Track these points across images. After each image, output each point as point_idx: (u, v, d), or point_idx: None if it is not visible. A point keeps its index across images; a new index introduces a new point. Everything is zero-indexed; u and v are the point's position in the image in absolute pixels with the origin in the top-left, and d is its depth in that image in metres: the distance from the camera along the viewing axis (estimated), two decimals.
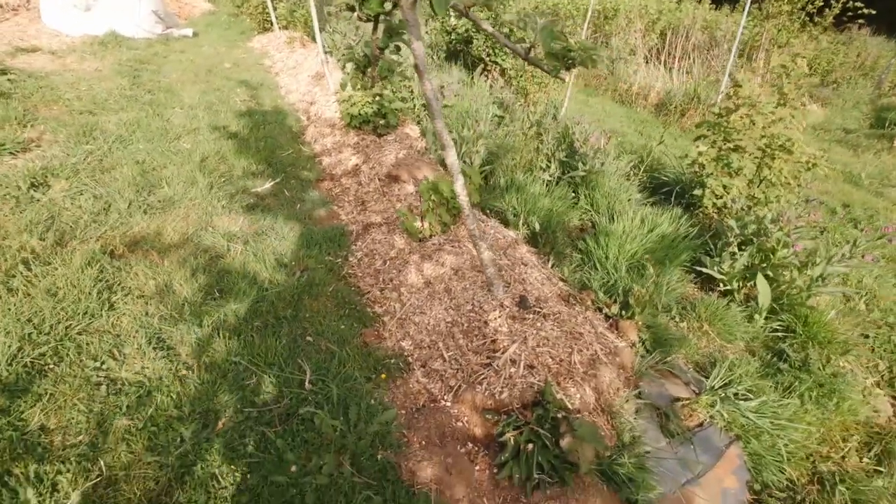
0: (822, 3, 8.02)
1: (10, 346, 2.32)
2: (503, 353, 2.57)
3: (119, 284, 2.88)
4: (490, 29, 1.91)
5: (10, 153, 3.98)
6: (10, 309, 2.52)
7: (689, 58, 9.54)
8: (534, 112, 5.62)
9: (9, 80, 5.15)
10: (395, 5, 1.95)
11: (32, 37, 7.41)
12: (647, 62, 9.90)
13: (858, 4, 7.40)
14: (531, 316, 2.73)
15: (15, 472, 1.88)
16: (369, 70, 2.50)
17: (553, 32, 1.62)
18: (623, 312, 3.16)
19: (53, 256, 2.94)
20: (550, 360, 2.53)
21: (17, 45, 6.80)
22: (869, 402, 3.08)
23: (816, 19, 8.15)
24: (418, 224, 3.55)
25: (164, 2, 10.22)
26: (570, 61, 1.78)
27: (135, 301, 2.79)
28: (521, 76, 6.48)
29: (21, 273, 2.75)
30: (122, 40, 7.86)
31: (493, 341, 2.64)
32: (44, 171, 3.77)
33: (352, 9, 2.28)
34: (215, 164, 4.50)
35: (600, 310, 3.24)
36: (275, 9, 9.55)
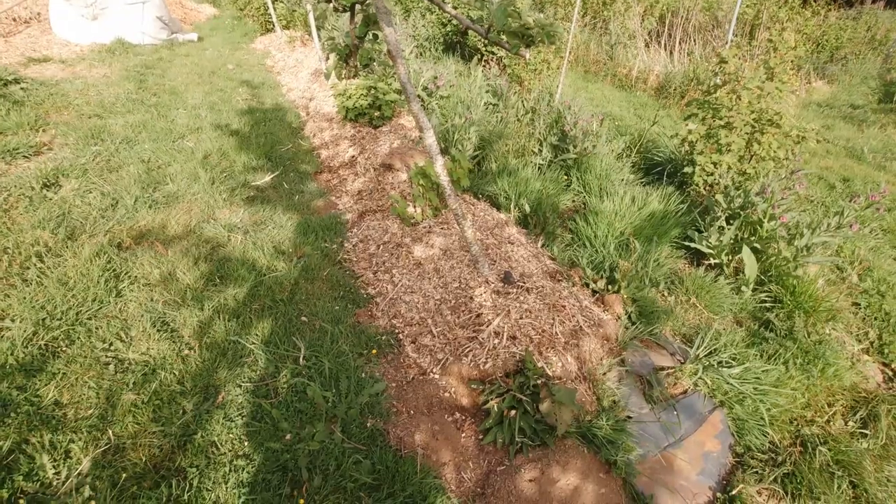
0: None
1: (25, 331, 2.50)
2: (487, 326, 2.68)
3: (126, 273, 3.05)
4: (452, 11, 2.01)
5: (24, 156, 4.18)
6: (25, 297, 2.70)
7: (691, 40, 9.47)
8: (528, 99, 5.68)
9: (22, 88, 5.38)
10: None
11: (44, 47, 7.68)
12: (647, 46, 9.85)
13: None
14: (514, 290, 2.83)
15: (32, 441, 2.05)
16: (351, 59, 2.60)
17: (506, 11, 1.71)
18: (609, 287, 3.24)
19: (64, 249, 3.13)
20: (532, 331, 2.63)
21: (30, 56, 7.07)
22: (856, 368, 3.12)
23: None
24: (410, 209, 3.67)
25: (169, 8, 10.47)
26: (530, 38, 1.87)
27: (140, 288, 2.96)
28: (515, 65, 6.54)
29: (35, 265, 2.94)
30: (128, 47, 8.09)
31: (479, 316, 2.75)
32: (55, 171, 3.96)
33: (328, 0, 2.39)
34: (217, 160, 4.67)
35: (587, 285, 3.32)
36: (275, 9, 9.72)
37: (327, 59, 5.39)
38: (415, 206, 3.69)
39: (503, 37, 1.87)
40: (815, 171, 5.90)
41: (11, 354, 2.39)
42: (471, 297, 2.84)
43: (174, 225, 3.63)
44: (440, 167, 2.54)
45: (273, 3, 9.76)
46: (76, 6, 7.84)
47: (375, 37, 2.55)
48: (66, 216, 3.49)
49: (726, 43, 7.30)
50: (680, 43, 9.81)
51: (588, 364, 2.65)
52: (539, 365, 2.48)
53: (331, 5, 2.31)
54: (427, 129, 2.43)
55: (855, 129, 7.71)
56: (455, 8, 1.88)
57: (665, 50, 9.56)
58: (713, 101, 4.17)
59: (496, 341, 2.59)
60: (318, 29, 7.20)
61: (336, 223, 3.90)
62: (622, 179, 4.50)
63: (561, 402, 2.26)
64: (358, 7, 2.33)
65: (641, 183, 4.74)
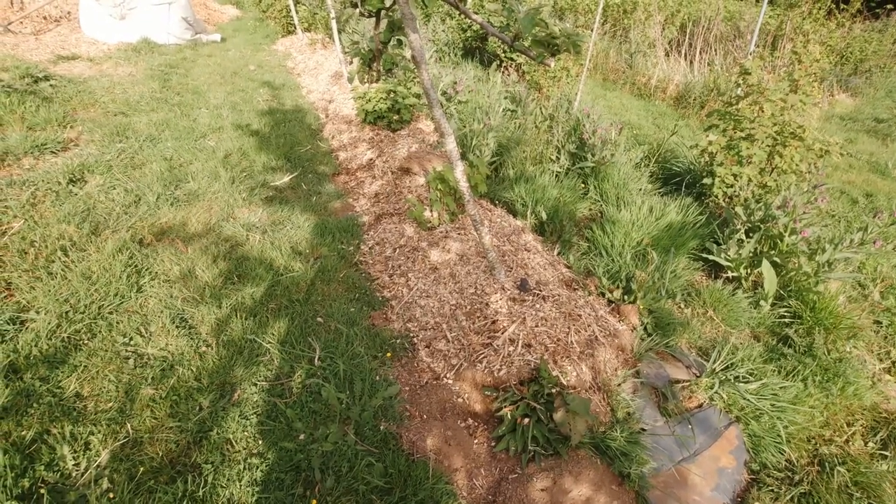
0: None
1: (49, 323, 2.55)
2: (503, 333, 2.68)
3: (147, 269, 3.10)
4: (479, 19, 2.02)
5: (52, 152, 4.29)
6: (50, 290, 2.76)
7: (712, 49, 9.39)
8: (546, 106, 5.68)
9: (51, 85, 5.52)
10: (395, 1, 2.08)
11: (72, 45, 7.87)
12: (666, 55, 9.79)
13: None
14: (531, 298, 2.83)
15: (53, 432, 2.09)
16: (374, 64, 2.63)
17: (534, 20, 1.72)
18: (625, 297, 3.22)
19: (88, 244, 3.19)
20: (548, 339, 2.62)
21: (59, 54, 7.24)
22: (878, 388, 3.06)
23: (843, 6, 7.92)
24: (427, 214, 3.69)
25: (194, 9, 10.66)
26: (555, 48, 1.88)
27: (161, 284, 3.01)
28: (534, 71, 6.54)
29: (60, 259, 3.00)
30: (154, 46, 8.26)
31: (494, 322, 2.75)
32: (81, 167, 4.05)
33: (354, 5, 2.43)
34: (237, 159, 4.73)
35: (603, 295, 3.30)
36: (297, 12, 9.85)
37: (350, 62, 5.45)
38: (431, 211, 3.70)
39: (528, 45, 1.88)
40: (838, 185, 5.80)
41: (36, 346, 2.44)
42: (486, 304, 2.84)
43: (194, 223, 3.68)
44: (460, 173, 2.55)
45: (296, 5, 9.90)
46: (105, 6, 8.02)
47: (400, 42, 2.57)
48: (91, 211, 3.57)
49: (748, 54, 7.23)
50: (700, 53, 9.73)
51: (603, 374, 2.63)
52: (554, 373, 2.47)
53: (356, 11, 2.35)
54: (448, 134, 2.45)
55: (879, 143, 7.57)
56: (475, 13, 1.90)
57: (685, 59, 9.49)
58: (735, 112, 4.13)
59: (511, 349, 2.59)
60: (340, 32, 7.27)
61: (353, 225, 3.93)
62: (640, 189, 4.47)
63: (575, 412, 2.25)
64: (383, 13, 2.36)
65: (659, 193, 4.70)
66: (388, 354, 2.75)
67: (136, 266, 3.10)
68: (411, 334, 2.92)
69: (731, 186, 4.16)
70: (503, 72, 7.16)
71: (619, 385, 2.66)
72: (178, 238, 3.48)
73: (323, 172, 4.81)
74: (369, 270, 3.46)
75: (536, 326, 2.66)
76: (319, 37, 9.08)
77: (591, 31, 6.13)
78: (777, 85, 3.94)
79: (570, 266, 3.59)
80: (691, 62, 9.57)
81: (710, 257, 3.68)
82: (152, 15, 8.42)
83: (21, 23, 8.47)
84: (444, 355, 2.75)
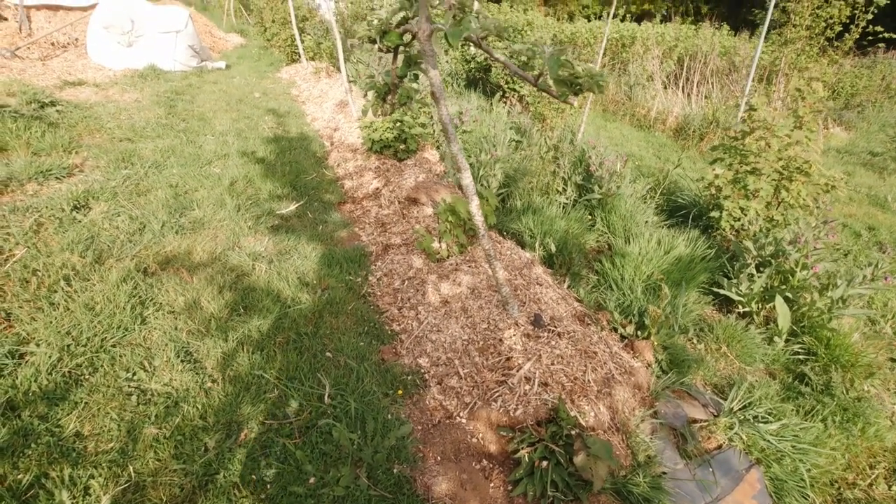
0: (840, 29, 8.02)
1: (50, 357, 2.47)
2: (518, 370, 2.61)
3: (151, 300, 3.03)
4: (502, 58, 2.03)
5: (56, 178, 4.25)
6: (51, 322, 2.68)
7: (708, 83, 9.60)
8: (551, 137, 5.73)
9: (57, 111, 5.52)
10: (414, 37, 2.09)
11: (79, 71, 7.93)
12: (664, 87, 9.99)
13: (879, 29, 7.39)
14: (546, 334, 2.77)
15: (51, 475, 1.99)
16: (389, 97, 2.64)
17: (560, 61, 1.72)
18: (639, 333, 3.17)
19: (92, 273, 3.12)
20: (565, 378, 2.56)
21: (65, 79, 7.29)
22: None
23: (836, 44, 8.14)
24: (436, 245, 3.65)
25: (199, 37, 10.82)
26: (578, 87, 1.88)
27: (165, 316, 2.94)
28: (538, 102, 6.64)
29: (62, 288, 2.93)
30: (160, 73, 8.34)
31: (509, 359, 2.68)
32: (85, 194, 4.01)
33: (373, 41, 2.43)
34: (243, 187, 4.71)
35: (616, 330, 3.25)
36: (302, 41, 10.02)
37: (365, 95, 5.49)
38: (440, 242, 3.67)
39: (552, 84, 1.88)
40: (840, 218, 5.84)
41: (35, 381, 2.35)
42: (500, 340, 2.78)
43: (200, 251, 3.63)
44: (475, 207, 2.53)
45: (301, 35, 10.08)
46: (113, 33, 8.13)
47: (416, 76, 2.58)
48: (95, 239, 3.51)
49: (745, 88, 7.38)
50: (698, 86, 9.95)
51: (621, 414, 2.56)
52: (572, 414, 2.40)
53: (376, 46, 2.36)
54: (465, 169, 2.43)
55: (876, 176, 7.68)
56: (485, 42, 1.88)
57: (683, 92, 9.68)
58: (741, 146, 4.17)
59: (527, 387, 2.52)
60: (346, 62, 7.37)
61: (360, 255, 3.89)
62: (647, 221, 4.47)
63: (597, 455, 2.17)
64: (401, 48, 2.39)
65: (666, 225, 4.71)
66: (400, 392, 2.67)
67: (140, 296, 3.03)
68: (422, 370, 2.84)
69: (739, 220, 4.17)
70: (506, 102, 7.26)
71: (638, 425, 2.59)
72: (182, 267, 3.42)
73: (329, 201, 4.79)
74: (378, 302, 3.40)
75: (552, 364, 2.60)
76: (324, 65, 9.21)
77: (595, 64, 6.25)
78: (783, 121, 3.99)
79: (580, 300, 3.54)
80: (689, 95, 9.77)
81: (722, 291, 3.65)
82: (159, 42, 8.53)
83: (28, 48, 8.56)
84: (457, 393, 2.68)
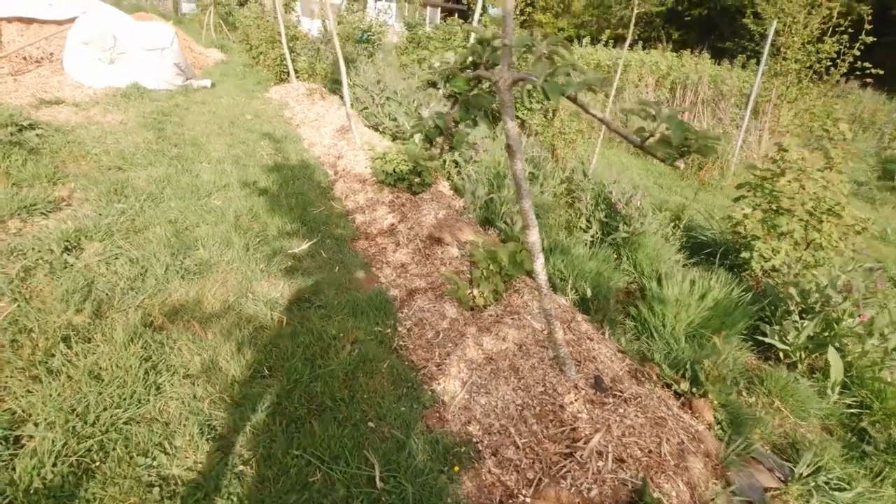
0: (829, 63, 8.26)
1: (54, 442, 2.11)
2: (585, 442, 2.38)
3: (164, 362, 2.69)
4: (599, 115, 1.84)
5: (42, 213, 3.84)
6: (51, 395, 2.32)
7: (700, 111, 9.75)
8: (563, 168, 5.61)
9: (37, 135, 5.08)
10: (494, 85, 1.88)
11: (55, 88, 7.44)
12: None
13: (867, 65, 7.63)
14: (611, 400, 2.56)
15: None
16: (439, 140, 2.43)
17: (683, 123, 1.54)
18: (694, 389, 2.99)
19: (94, 331, 2.76)
20: (639, 451, 2.34)
21: (41, 98, 6.80)
22: None
23: (825, 77, 8.39)
24: (469, 291, 3.42)
25: (183, 54, 10.41)
26: (686, 150, 1.70)
27: (181, 382, 2.60)
28: (545, 132, 6.54)
29: (61, 352, 2.56)
30: (144, 92, 7.91)
31: (574, 429, 2.45)
32: (77, 232, 3.62)
33: (433, 84, 2.22)
34: (248, 222, 4.39)
35: (668, 386, 3.07)
36: (293, 61, 9.74)
37: (410, 136, 5.25)
38: (473, 288, 3.44)
39: (658, 145, 1.70)
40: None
41: (38, 475, 1.99)
42: (560, 406, 2.55)
43: (210, 300, 3.29)
44: (540, 266, 2.32)
45: (291, 55, 9.80)
46: (94, 49, 7.69)
47: (475, 123, 2.37)
48: (92, 287, 3.14)
49: (744, 119, 7.47)
50: (688, 115, 10.09)
51: (698, 489, 2.35)
52: (655, 495, 2.18)
53: (439, 91, 2.16)
54: (533, 226, 2.22)
55: (868, 207, 7.86)
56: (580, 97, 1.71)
57: None
58: (769, 185, 4.11)
59: (600, 464, 2.29)
60: (352, 87, 7.14)
61: (383, 301, 3.61)
62: (676, 261, 4.35)
63: None
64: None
65: (690, 264, 4.60)
66: (456, 468, 2.40)
67: (151, 359, 2.68)
68: (474, 439, 2.58)
69: (769, 260, 4.09)
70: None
71: (714, 501, 2.39)
72: (193, 319, 3.08)
73: (341, 237, 4.50)
74: (412, 357, 3.13)
75: (624, 436, 2.38)
76: (317, 87, 8.94)
77: (609, 98, 6.21)
78: (812, 161, 3.95)
79: (624, 351, 3.35)
80: None
81: (766, 340, 3.53)
82: (144, 60, 8.12)
83: None
84: (516, 466, 2.42)
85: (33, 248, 3.36)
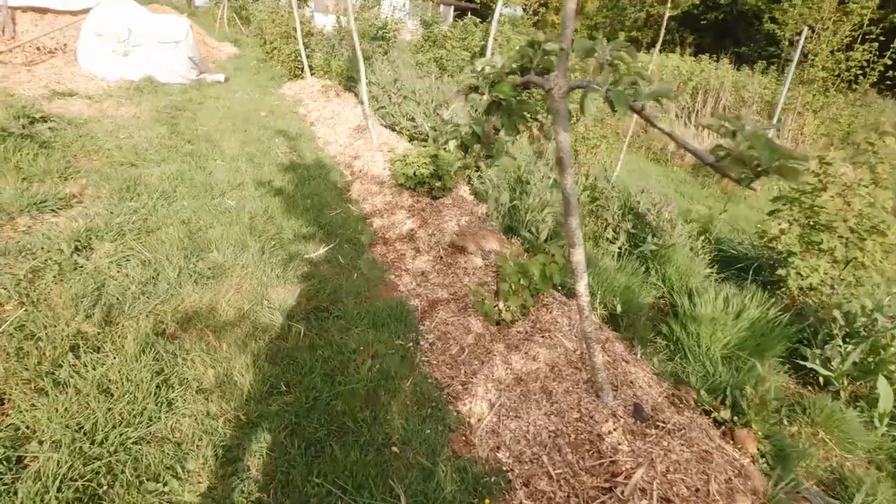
0: (858, 72, 8.03)
1: (59, 463, 1.96)
2: (627, 477, 2.21)
3: (176, 375, 2.54)
4: (667, 129, 1.67)
5: (52, 210, 3.71)
6: (57, 410, 2.17)
7: None
8: (586, 175, 5.43)
9: (49, 128, 4.95)
10: (546, 93, 1.71)
11: (68, 80, 7.33)
12: (677, 117, 9.89)
13: None
14: (653, 431, 2.39)
15: None
16: (476, 147, 2.27)
17: (771, 142, 1.37)
18: (735, 418, 2.81)
19: (104, 339, 2.62)
20: (686, 489, 2.17)
21: (54, 89, 6.69)
22: None
23: (854, 86, 8.15)
24: (495, 304, 3.25)
25: (198, 47, 10.30)
26: (763, 171, 1.53)
27: (194, 397, 2.45)
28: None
29: (69, 362, 2.42)
30: (157, 86, 7.79)
31: (613, 462, 2.28)
32: (87, 232, 3.48)
33: (475, 89, 2.06)
34: (263, 224, 4.24)
35: (707, 412, 2.89)
36: (308, 56, 9.59)
37: (445, 142, 5.09)
38: (498, 300, 3.27)
39: (732, 165, 1.52)
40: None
41: (42, 502, 1.84)
42: (598, 435, 2.38)
43: (224, 307, 3.14)
44: (583, 287, 2.15)
45: (306, 50, 9.65)
46: (108, 41, 7.58)
47: (518, 131, 2.21)
48: (102, 291, 3.00)
49: (777, 129, 7.21)
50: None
51: None
52: None
53: (483, 98, 2.00)
54: (578, 245, 2.06)
55: None
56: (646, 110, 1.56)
57: (696, 128, 9.58)
58: (809, 199, 3.91)
59: (643, 502, 2.12)
60: (358, 82, 6.99)
61: (404, 312, 3.45)
62: (709, 275, 4.17)
63: None
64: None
65: (720, 279, 4.41)
66: (487, 501, 2.23)
67: (162, 371, 2.53)
68: (504, 467, 2.42)
69: (806, 278, 3.89)
70: (529, 132, 6.95)
71: None
72: (207, 328, 2.94)
73: (359, 242, 4.34)
74: (436, 374, 2.97)
75: (669, 472, 2.21)
76: (333, 84, 8.80)
77: None
78: (857, 177, 3.75)
79: (657, 372, 3.18)
80: (700, 128, 9.67)
81: (808, 365, 3.34)
82: (158, 53, 8.00)
83: (11, 51, 7.92)
84: (550, 499, 2.26)
85: (42, 248, 3.22)
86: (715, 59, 12.02)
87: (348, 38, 10.19)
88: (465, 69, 2.22)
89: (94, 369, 2.42)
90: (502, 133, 2.21)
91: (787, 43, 8.49)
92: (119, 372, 2.42)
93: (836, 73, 8.17)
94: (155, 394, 2.38)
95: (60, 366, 2.40)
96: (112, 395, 2.32)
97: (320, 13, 18.64)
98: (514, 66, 1.94)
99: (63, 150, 4.69)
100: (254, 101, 8.36)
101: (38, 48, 8.25)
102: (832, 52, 8.03)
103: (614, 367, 2.81)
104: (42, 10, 8.63)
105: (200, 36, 13.15)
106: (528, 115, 2.13)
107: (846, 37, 7.75)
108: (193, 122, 6.52)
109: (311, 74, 9.90)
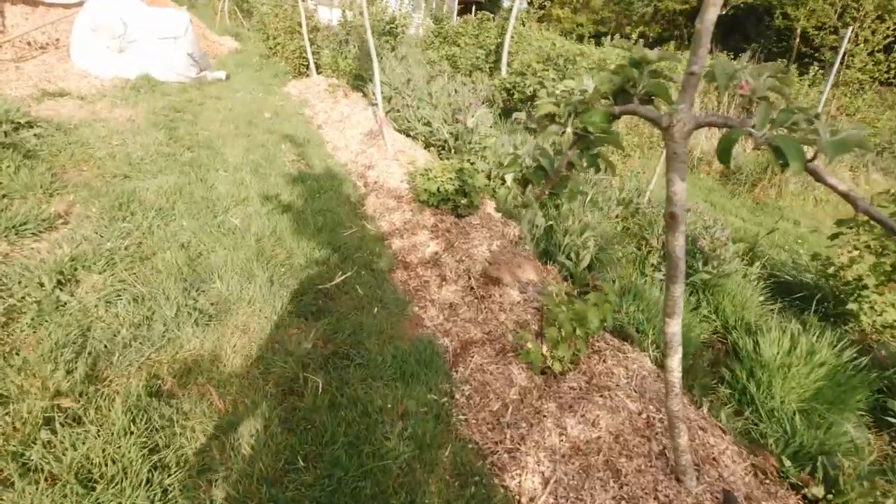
0: None
1: None
2: None
3: (172, 450, 2.12)
4: (843, 188, 1.21)
5: (33, 234, 3.28)
6: None
7: None
8: (620, 188, 4.99)
9: (35, 135, 4.50)
10: (666, 130, 1.28)
11: (60, 78, 6.86)
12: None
13: None
14: None
15: None
16: (543, 185, 1.85)
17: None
18: (829, 496, 2.40)
19: (87, 405, 2.20)
20: None
21: (44, 88, 6.23)
22: None
23: (894, 88, 7.69)
24: (538, 349, 2.83)
25: (198, 43, 9.82)
26: None
27: (195, 482, 2.03)
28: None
29: (42, 440, 1.99)
30: (155, 84, 7.32)
31: None
32: (73, 260, 3.05)
33: (551, 118, 1.63)
34: (272, 247, 3.81)
35: (794, 487, 2.48)
36: (314, 54, 9.12)
37: (500, 178, 4.64)
38: (543, 345, 2.85)
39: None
40: None
41: None
42: None
43: (229, 353, 2.73)
44: (676, 363, 1.73)
45: (311, 46, 9.18)
46: (103, 37, 7.11)
47: (599, 168, 1.78)
48: (88, 336, 2.58)
49: None
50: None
51: None
52: None
53: (567, 131, 1.59)
54: (677, 315, 1.64)
55: None
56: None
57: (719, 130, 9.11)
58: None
59: None
60: (369, 81, 6.53)
61: (433, 355, 3.03)
62: (771, 309, 3.74)
63: None
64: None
65: (774, 310, 3.98)
66: None
67: (157, 447, 2.11)
68: None
69: (881, 314, 3.47)
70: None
71: None
72: (209, 383, 2.52)
73: (377, 267, 3.91)
74: (476, 438, 2.55)
75: None
76: (340, 83, 8.33)
77: None
78: None
79: (725, 430, 2.76)
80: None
81: None
82: (156, 49, 7.53)
83: (0, 47, 7.45)
84: None
85: (19, 283, 2.80)
86: (731, 56, 11.52)
87: (355, 34, 9.71)
88: (540, 93, 1.78)
89: (74, 448, 2.00)
90: (576, 171, 1.78)
91: (819, 41, 8.01)
92: (104, 452, 2.00)
93: (875, 74, 7.70)
94: (147, 481, 1.96)
95: (32, 445, 1.98)
96: (94, 484, 1.89)
97: (324, 6, 18.08)
98: (604, 89, 1.52)
99: (50, 160, 4.25)
100: (257, 102, 7.90)
101: (29, 43, 7.77)
102: (872, 53, 7.57)
103: (690, 436, 2.39)
104: (33, 3, 8.16)
105: (200, 30, 12.64)
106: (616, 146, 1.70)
107: (889, 37, 7.29)
108: (193, 126, 6.07)
109: (319, 73, 9.42)
